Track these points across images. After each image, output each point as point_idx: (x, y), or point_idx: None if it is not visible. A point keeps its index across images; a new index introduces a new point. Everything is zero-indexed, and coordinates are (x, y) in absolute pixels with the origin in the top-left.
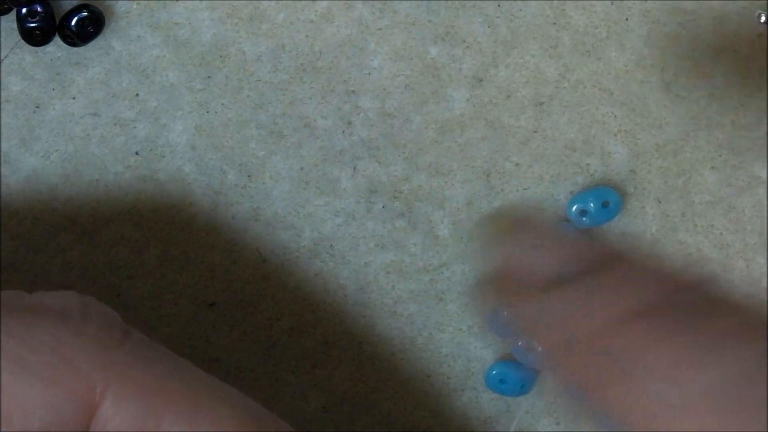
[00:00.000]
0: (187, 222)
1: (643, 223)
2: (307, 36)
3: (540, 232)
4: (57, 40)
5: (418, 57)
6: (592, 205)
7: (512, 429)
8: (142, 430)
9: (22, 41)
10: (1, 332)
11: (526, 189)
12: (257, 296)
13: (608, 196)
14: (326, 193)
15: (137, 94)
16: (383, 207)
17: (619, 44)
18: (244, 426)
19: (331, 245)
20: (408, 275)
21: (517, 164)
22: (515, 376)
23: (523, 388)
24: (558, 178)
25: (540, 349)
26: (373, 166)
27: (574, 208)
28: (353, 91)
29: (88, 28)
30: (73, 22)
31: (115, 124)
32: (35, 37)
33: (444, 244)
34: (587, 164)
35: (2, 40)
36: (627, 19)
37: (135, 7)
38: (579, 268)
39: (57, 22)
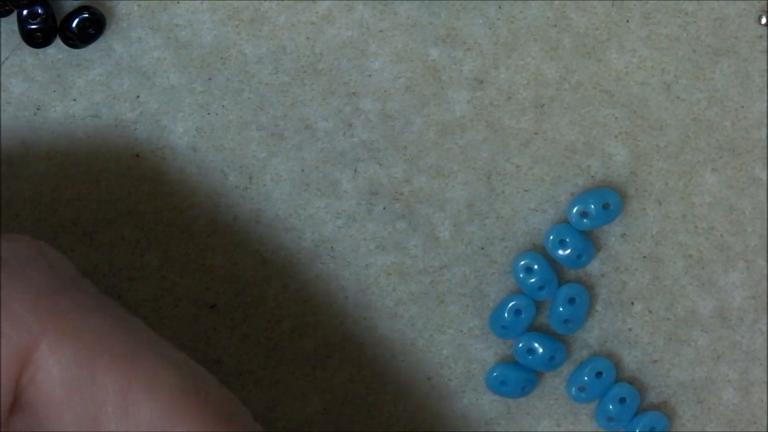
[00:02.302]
0: (188, 224)
1: (644, 224)
2: (307, 38)
3: None
4: (58, 41)
5: (418, 59)
6: (592, 206)
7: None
8: (75, 377)
9: (23, 43)
10: None
11: (526, 191)
12: (258, 298)
13: (609, 197)
14: (327, 194)
15: (138, 96)
16: (384, 209)
17: (619, 46)
18: (182, 380)
19: (332, 247)
20: (409, 277)
21: (517, 166)
22: (516, 378)
23: (524, 390)
24: (559, 180)
25: None
26: (374, 168)
27: (574, 209)
28: (354, 93)
29: (89, 30)
30: (74, 24)
31: (115, 126)
32: (36, 39)
33: (445, 245)
34: (588, 166)
35: (3, 41)
36: (627, 21)
37: (136, 8)
38: None
39: (58, 24)
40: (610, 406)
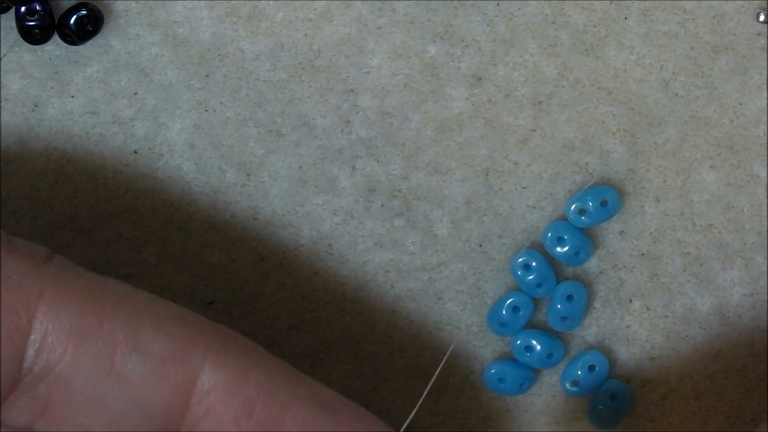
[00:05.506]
0: (185, 220)
1: (642, 222)
2: (306, 35)
3: None
4: (56, 38)
5: (416, 56)
6: (590, 204)
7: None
8: (83, 330)
9: (21, 39)
10: None
11: (524, 188)
12: (256, 295)
13: (607, 194)
14: (325, 191)
15: (136, 93)
16: (382, 206)
17: (618, 43)
18: (183, 310)
19: (330, 244)
20: (407, 274)
21: (515, 163)
22: (514, 375)
23: (521, 387)
24: (557, 177)
25: None
26: (372, 165)
27: (573, 207)
28: (352, 90)
29: (87, 27)
30: (72, 21)
31: (113, 123)
32: (34, 36)
33: (443, 242)
34: (586, 163)
35: (1, 38)
36: (626, 18)
37: (134, 5)
38: None
39: (56, 21)
40: (600, 406)
